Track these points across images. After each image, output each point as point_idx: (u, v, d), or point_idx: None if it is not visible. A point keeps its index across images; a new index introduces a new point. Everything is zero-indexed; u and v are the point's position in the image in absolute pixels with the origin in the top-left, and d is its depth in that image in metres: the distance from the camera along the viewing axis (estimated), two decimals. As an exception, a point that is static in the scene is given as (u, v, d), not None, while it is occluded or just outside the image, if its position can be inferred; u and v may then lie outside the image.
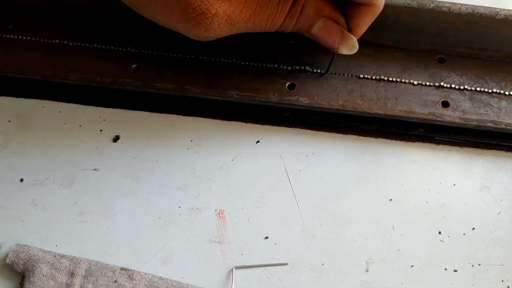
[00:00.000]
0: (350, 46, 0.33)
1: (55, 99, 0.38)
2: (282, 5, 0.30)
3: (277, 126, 0.38)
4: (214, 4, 0.28)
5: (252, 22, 0.30)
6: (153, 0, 0.29)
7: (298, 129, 0.38)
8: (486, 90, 0.37)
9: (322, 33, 0.33)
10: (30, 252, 0.32)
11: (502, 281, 0.33)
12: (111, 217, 0.34)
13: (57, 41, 0.37)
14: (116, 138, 0.37)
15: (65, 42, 0.37)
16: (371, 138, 0.38)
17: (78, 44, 0.37)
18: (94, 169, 0.36)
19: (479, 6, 0.37)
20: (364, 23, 0.33)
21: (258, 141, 0.37)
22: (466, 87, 0.37)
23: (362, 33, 0.34)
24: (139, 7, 0.31)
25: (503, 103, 0.37)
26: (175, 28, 0.30)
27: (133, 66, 0.37)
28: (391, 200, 0.36)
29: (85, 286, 0.31)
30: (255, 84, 0.36)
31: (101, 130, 0.37)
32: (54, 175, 0.35)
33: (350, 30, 0.33)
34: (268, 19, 0.30)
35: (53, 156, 0.36)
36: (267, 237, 0.34)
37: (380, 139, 0.38)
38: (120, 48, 0.37)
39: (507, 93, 0.37)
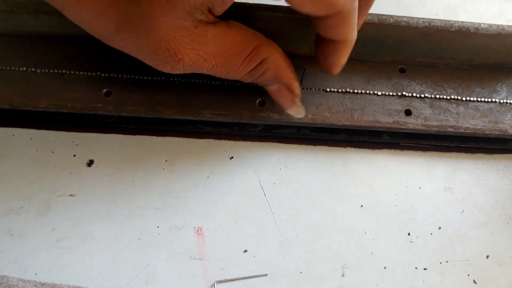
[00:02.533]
0: (296, 112, 0.35)
1: (25, 126, 0.38)
2: (246, 65, 0.31)
3: (250, 141, 0.39)
4: (182, 51, 0.28)
5: (213, 72, 0.31)
6: (121, 37, 0.29)
7: (270, 143, 0.39)
8: (444, 97, 0.40)
9: (275, 94, 0.34)
10: (10, 283, 0.32)
11: (468, 275, 0.36)
12: (90, 241, 0.34)
13: (24, 68, 0.37)
14: (90, 163, 0.37)
15: (33, 70, 0.37)
16: (340, 148, 0.40)
17: (47, 70, 0.37)
18: (70, 195, 0.36)
19: (435, 19, 0.39)
20: (340, 63, 0.33)
21: (232, 157, 0.38)
22: (426, 95, 0.39)
23: (339, 71, 0.34)
24: (111, 43, 0.31)
25: (461, 108, 0.39)
26: (145, 61, 0.31)
27: (104, 90, 0.37)
28: (362, 206, 0.37)
29: (68, 313, 0.31)
30: (226, 102, 0.37)
31: (74, 155, 0.37)
32: (29, 203, 0.35)
33: (325, 69, 0.34)
34: (229, 73, 0.32)
35: (27, 184, 0.36)
36: (246, 250, 0.35)
37: (349, 148, 0.40)
38: (90, 73, 0.37)
39: (464, 98, 0.40)
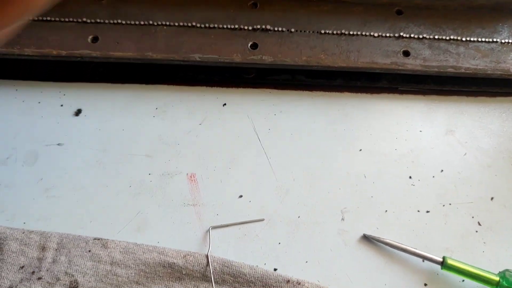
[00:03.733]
0: None
1: (10, 77, 0.37)
2: None
3: (243, 88, 0.38)
4: None
5: None
6: None
7: (265, 90, 0.38)
8: (444, 37, 0.38)
9: None
10: (-3, 231, 0.31)
11: (473, 217, 0.34)
12: (79, 190, 0.33)
13: (7, 16, 0.36)
14: (78, 112, 0.36)
15: (17, 17, 0.36)
16: (337, 93, 0.38)
17: (31, 18, 0.36)
18: (58, 144, 0.35)
19: (431, -45, 0.37)
20: None
21: (225, 104, 0.37)
22: (425, 36, 0.38)
23: None
24: None
25: (461, 49, 0.38)
26: None
27: (91, 36, 0.36)
28: (361, 150, 0.36)
29: (58, 258, 0.30)
30: (217, 46, 0.36)
31: (61, 105, 0.36)
32: (16, 153, 0.34)
33: None
34: None
35: (13, 135, 0.35)
36: (241, 196, 0.34)
37: (346, 93, 0.38)
38: (76, 20, 0.36)
39: (464, 39, 0.38)
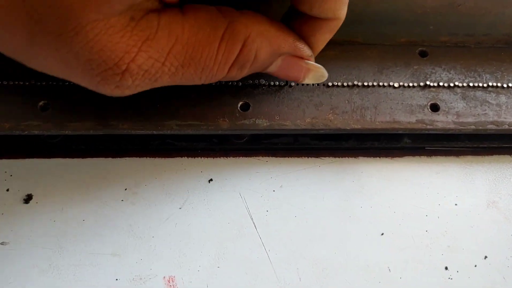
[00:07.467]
0: (318, 77, 0.28)
1: None
2: (225, 55, 0.23)
3: (234, 157, 0.32)
4: (125, 58, 0.21)
5: (181, 77, 0.23)
6: (38, 50, 0.21)
7: (260, 158, 0.32)
8: (480, 84, 0.32)
9: (282, 71, 0.26)
10: None
11: (528, 319, 0.27)
12: (27, 304, 0.27)
13: None
14: (28, 198, 0.30)
15: None
16: (350, 158, 0.32)
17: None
18: (1, 243, 0.28)
19: (463, -17, 0.31)
20: (324, 40, 0.27)
21: (211, 179, 0.31)
22: (456, 83, 0.31)
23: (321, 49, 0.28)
24: (29, 61, 0.23)
25: (502, 98, 0.31)
26: (80, 83, 0.23)
27: (40, 103, 0.29)
28: (382, 234, 0.30)
29: None
30: (199, 108, 0.29)
31: (7, 190, 0.30)
32: (-51, 257, 0.28)
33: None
34: (206, 74, 0.24)
35: None
36: (233, 305, 0.27)
37: (361, 158, 0.32)
38: (21, 83, 0.29)
39: (505, 85, 0.32)
